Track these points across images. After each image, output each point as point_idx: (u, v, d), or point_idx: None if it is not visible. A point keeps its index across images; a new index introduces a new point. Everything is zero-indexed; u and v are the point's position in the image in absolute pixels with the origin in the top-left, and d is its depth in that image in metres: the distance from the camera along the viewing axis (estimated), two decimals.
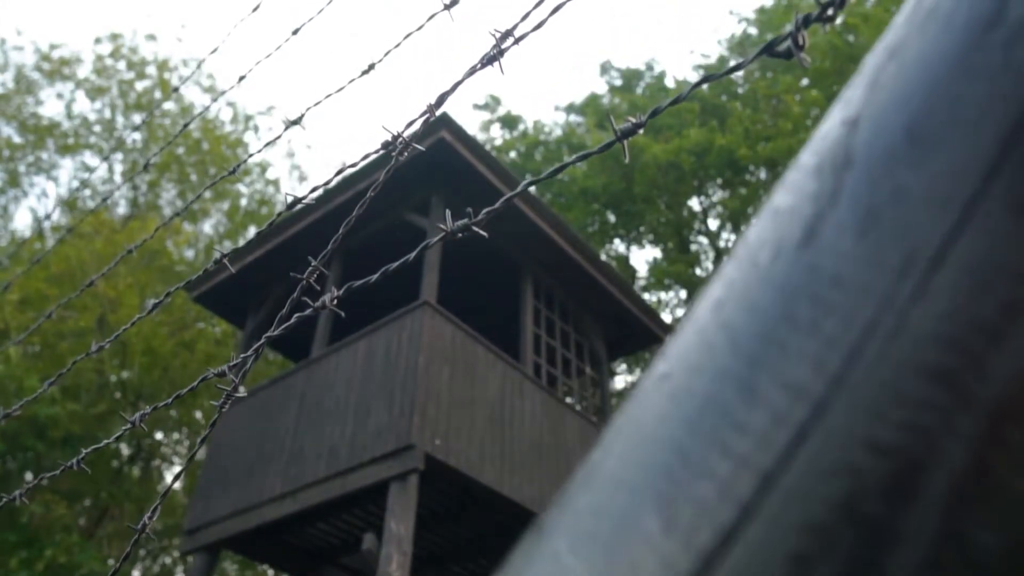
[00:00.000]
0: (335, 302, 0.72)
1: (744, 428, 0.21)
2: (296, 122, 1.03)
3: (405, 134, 0.75)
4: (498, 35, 0.69)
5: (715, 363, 0.22)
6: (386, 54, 0.93)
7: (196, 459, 14.73)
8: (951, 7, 0.25)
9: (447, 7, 0.88)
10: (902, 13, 0.28)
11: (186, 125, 1.34)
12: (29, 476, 11.78)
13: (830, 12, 0.41)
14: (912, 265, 0.21)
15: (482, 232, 0.62)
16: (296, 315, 0.77)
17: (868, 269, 0.21)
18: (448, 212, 0.62)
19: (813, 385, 0.20)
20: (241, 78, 1.29)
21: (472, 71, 0.72)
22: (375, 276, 0.74)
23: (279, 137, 1.04)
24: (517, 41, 0.69)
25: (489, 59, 0.71)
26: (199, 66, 1.47)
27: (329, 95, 0.98)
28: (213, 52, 1.39)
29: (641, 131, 0.55)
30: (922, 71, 0.24)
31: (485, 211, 0.58)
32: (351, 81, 0.96)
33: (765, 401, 0.21)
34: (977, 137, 0.21)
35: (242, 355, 0.75)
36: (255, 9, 1.41)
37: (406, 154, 0.76)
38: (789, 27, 0.44)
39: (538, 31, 0.78)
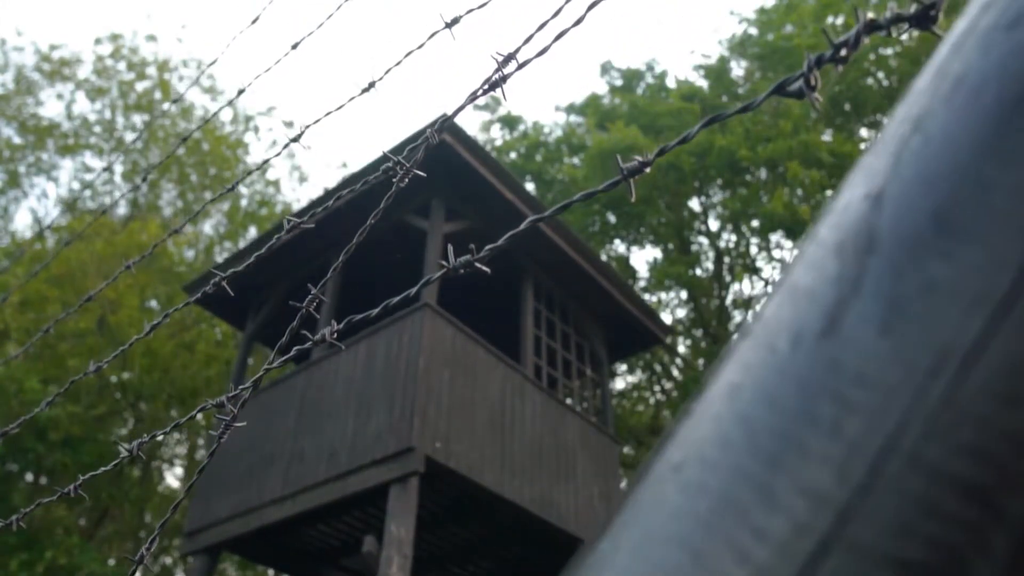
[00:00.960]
0: (335, 335, 0.71)
1: (763, 535, 0.19)
2: (296, 139, 1.02)
3: (403, 153, 0.74)
4: (500, 59, 0.68)
5: (731, 459, 0.21)
6: (386, 72, 0.92)
7: (196, 459, 14.72)
8: (980, 79, 0.23)
9: (448, 26, 0.87)
10: (924, 76, 0.27)
11: (184, 140, 1.33)
12: (29, 477, 11.77)
13: (843, 53, 0.40)
14: (941, 367, 0.19)
15: (484, 268, 0.61)
16: (296, 347, 0.76)
17: (893, 368, 0.20)
18: (450, 248, 0.61)
19: (836, 493, 0.19)
20: (240, 91, 1.28)
21: (474, 96, 0.71)
22: (375, 310, 0.73)
23: (279, 154, 1.03)
24: (520, 67, 0.68)
25: (492, 84, 0.69)
26: (198, 78, 1.46)
27: (329, 112, 0.97)
28: (212, 64, 1.38)
29: (648, 169, 0.54)
30: (949, 150, 0.23)
31: (488, 248, 0.57)
32: (351, 99, 0.95)
33: (785, 507, 0.20)
34: (1011, 229, 0.20)
35: (240, 387, 0.74)
36: (254, 21, 1.40)
37: (406, 180, 0.76)
38: (802, 68, 0.42)
39: (540, 53, 0.77)
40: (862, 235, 0.23)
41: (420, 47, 0.90)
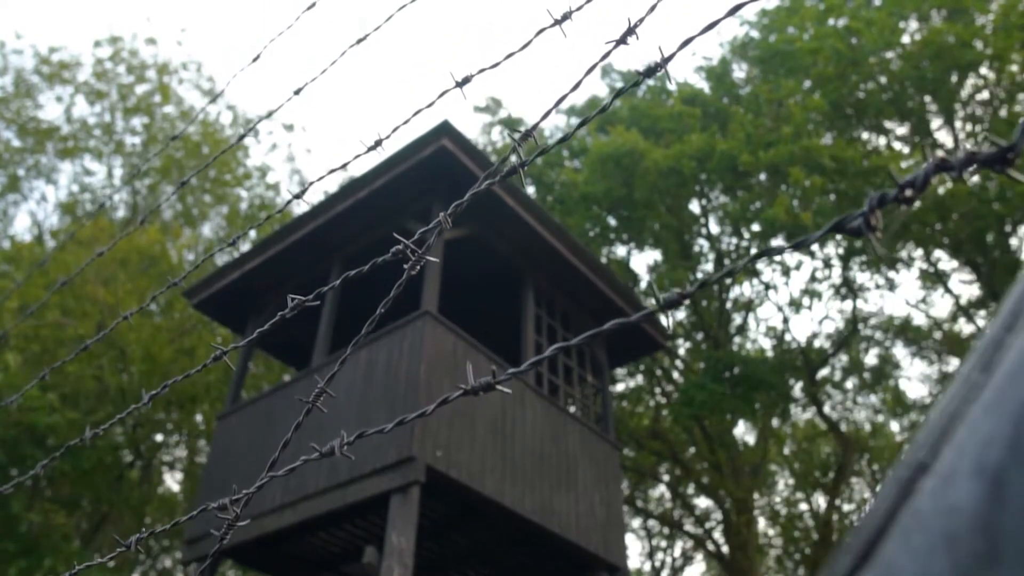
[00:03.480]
0: (345, 448, 0.68)
1: None
2: (299, 196, 0.99)
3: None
4: (516, 137, 0.65)
5: None
6: (394, 130, 0.89)
7: (197, 465, 14.68)
8: None
9: (459, 85, 0.84)
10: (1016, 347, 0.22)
11: (185, 180, 1.30)
12: (28, 483, 11.74)
13: (908, 193, 0.37)
14: None
15: (506, 390, 0.58)
16: (303, 458, 0.73)
17: None
18: (470, 366, 0.58)
19: None
20: (243, 136, 1.25)
21: (490, 181, 0.68)
22: (389, 427, 0.70)
23: (280, 211, 1.00)
24: (542, 152, 0.65)
25: (510, 170, 0.66)
26: (200, 108, 1.43)
27: (333, 170, 0.94)
28: (213, 101, 1.35)
29: (687, 302, 0.51)
30: None
31: (510, 371, 0.54)
32: (356, 156, 0.92)
33: None
34: None
35: (244, 491, 0.71)
36: (255, 59, 1.38)
37: (418, 269, 0.72)
38: (863, 207, 0.39)
39: (545, 117, 0.73)
40: (979, 535, 0.20)
41: (429, 106, 0.88)
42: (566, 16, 0.77)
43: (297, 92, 1.20)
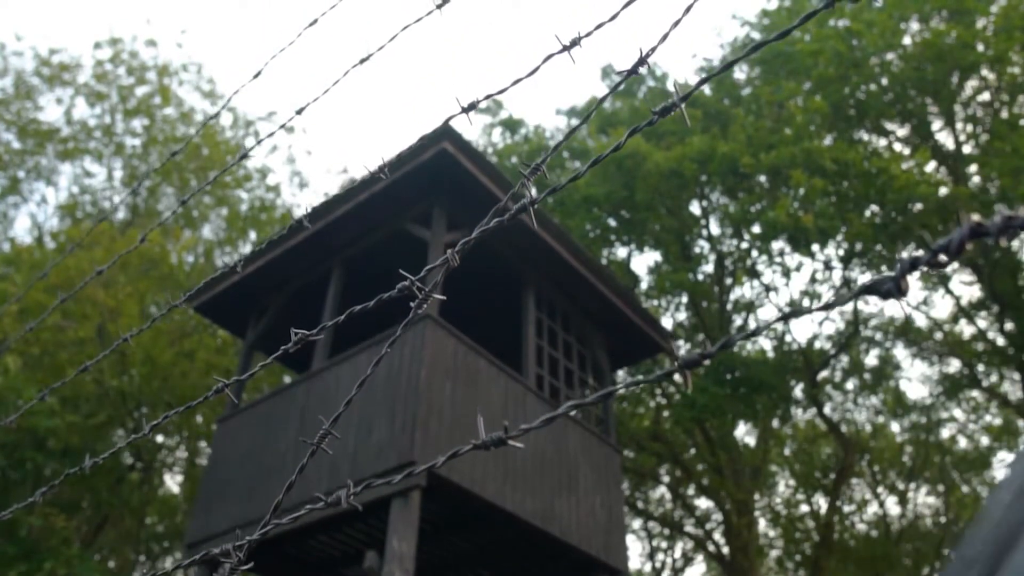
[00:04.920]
0: (352, 497, 0.66)
1: None
2: (302, 220, 0.97)
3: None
4: (527, 170, 0.64)
5: None
6: (398, 155, 0.88)
7: (197, 467, 14.67)
8: None
9: (465, 111, 0.83)
10: None
11: (186, 200, 1.29)
12: (28, 487, 11.72)
13: (941, 258, 0.35)
14: None
15: (518, 444, 0.57)
16: (308, 507, 0.71)
17: None
18: (480, 419, 0.56)
19: None
20: (243, 155, 1.24)
21: (500, 220, 0.66)
22: (398, 478, 0.69)
23: (284, 231, 0.99)
24: (553, 190, 0.64)
25: (520, 208, 0.65)
26: (200, 129, 1.42)
27: (337, 195, 0.92)
28: (215, 116, 1.34)
29: (707, 362, 0.49)
30: None
31: (522, 427, 0.53)
32: (361, 179, 0.90)
33: None
34: None
35: (247, 537, 0.70)
36: (256, 75, 1.37)
37: (425, 306, 0.71)
38: (893, 271, 0.38)
39: (555, 150, 0.72)
40: None
41: (435, 131, 0.86)
42: (575, 42, 0.75)
43: (299, 112, 1.19)
